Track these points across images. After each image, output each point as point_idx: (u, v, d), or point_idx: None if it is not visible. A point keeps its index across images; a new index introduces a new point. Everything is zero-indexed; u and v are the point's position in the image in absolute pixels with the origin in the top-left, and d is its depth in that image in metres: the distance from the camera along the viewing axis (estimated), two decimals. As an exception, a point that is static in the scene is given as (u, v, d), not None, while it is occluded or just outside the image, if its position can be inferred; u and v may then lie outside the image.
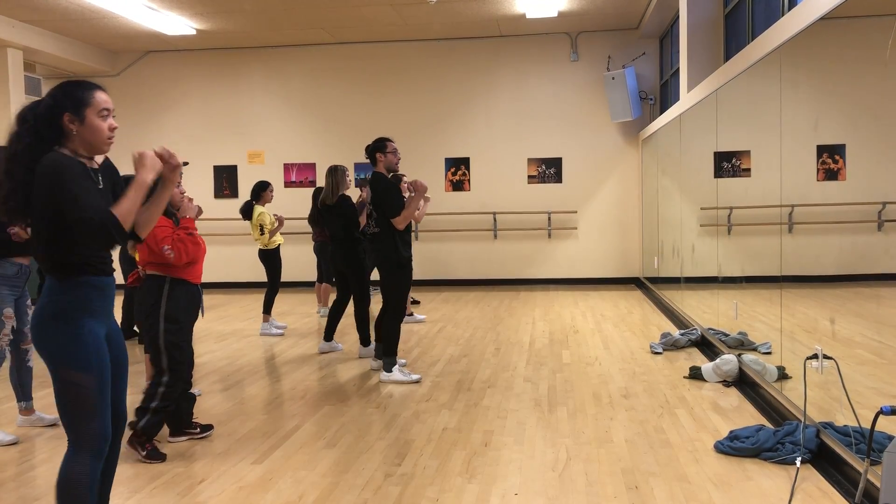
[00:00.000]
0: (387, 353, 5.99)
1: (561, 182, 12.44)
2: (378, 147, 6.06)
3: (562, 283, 12.36)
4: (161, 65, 13.13)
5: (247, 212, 8.22)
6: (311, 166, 12.86)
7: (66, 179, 2.57)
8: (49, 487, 3.83)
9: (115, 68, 13.18)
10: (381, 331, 6.16)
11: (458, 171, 12.44)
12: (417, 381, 5.92)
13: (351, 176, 7.27)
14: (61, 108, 2.67)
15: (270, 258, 8.27)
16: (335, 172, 6.99)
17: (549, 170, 12.46)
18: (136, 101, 13.16)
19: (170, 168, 2.80)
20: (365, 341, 6.96)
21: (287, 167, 12.92)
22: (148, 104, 13.15)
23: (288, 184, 12.82)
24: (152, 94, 13.16)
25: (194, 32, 11.57)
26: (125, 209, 2.59)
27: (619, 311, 9.49)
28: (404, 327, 8.19)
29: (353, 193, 7.96)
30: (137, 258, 4.27)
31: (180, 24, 11.10)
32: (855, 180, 4.16)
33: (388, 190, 5.96)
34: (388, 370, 5.95)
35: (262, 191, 8.31)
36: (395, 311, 6.00)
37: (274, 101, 12.92)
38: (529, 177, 12.46)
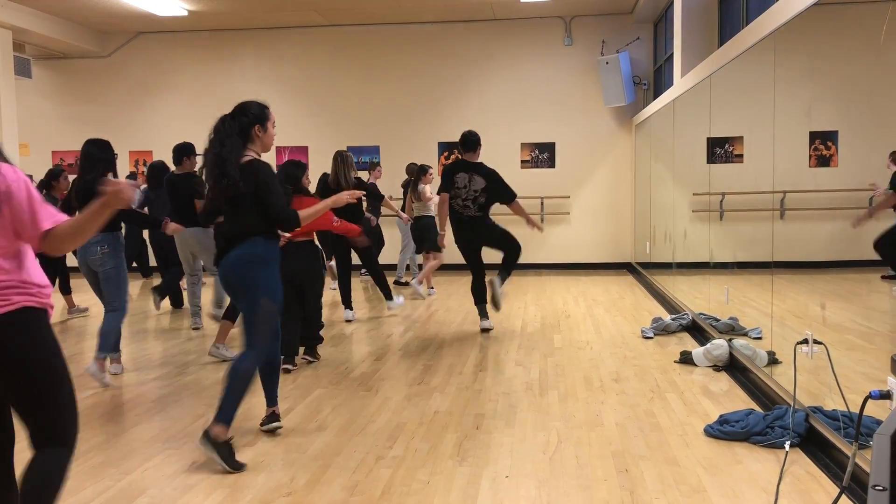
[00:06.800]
0: (509, 270, 7.42)
1: (554, 167, 12.43)
2: (480, 142, 7.20)
3: (554, 268, 12.38)
4: (152, 46, 13.01)
5: None
6: (304, 149, 12.80)
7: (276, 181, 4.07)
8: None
9: (105, 49, 13.06)
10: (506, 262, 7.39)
11: (451, 156, 12.41)
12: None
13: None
14: (254, 122, 4.04)
15: None
16: (345, 160, 7.54)
17: (542, 154, 12.45)
18: (126, 83, 13.07)
19: None
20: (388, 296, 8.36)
21: (279, 150, 12.85)
22: (138, 86, 13.05)
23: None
24: (142, 75, 13.05)
25: (186, 13, 11.46)
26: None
27: (611, 296, 9.52)
28: (396, 312, 8.34)
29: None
30: None
31: (172, 5, 11.00)
32: (847, 167, 4.17)
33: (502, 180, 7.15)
34: (501, 284, 7.28)
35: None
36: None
37: (266, 84, 12.81)
38: (522, 161, 12.45)
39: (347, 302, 8.04)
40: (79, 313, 8.59)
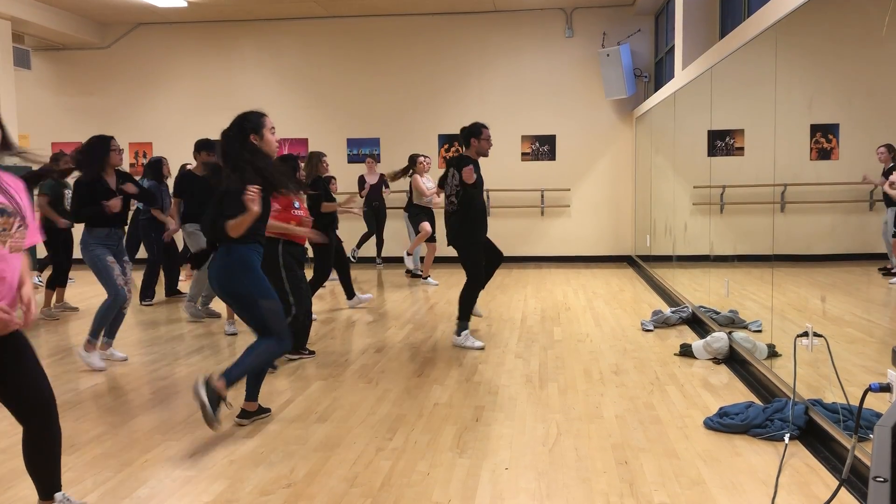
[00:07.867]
0: (461, 317, 6.41)
1: (554, 160, 12.41)
2: (473, 132, 6.36)
3: (554, 261, 12.38)
4: (152, 37, 12.98)
5: None
6: (304, 141, 12.78)
7: None
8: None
9: (105, 40, 13.03)
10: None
11: (451, 148, 12.40)
12: (480, 349, 6.22)
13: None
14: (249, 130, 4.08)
15: None
16: (311, 159, 7.42)
17: (542, 147, 12.43)
18: (126, 74, 13.04)
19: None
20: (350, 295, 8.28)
21: (279, 144, 12.83)
22: (138, 77, 13.02)
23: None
24: (142, 67, 13.02)
25: (185, 4, 11.43)
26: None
27: (611, 289, 9.52)
28: (396, 304, 8.36)
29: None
30: None
31: (171, -4, 10.97)
32: (847, 160, 4.16)
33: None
34: (458, 334, 6.36)
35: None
36: (471, 280, 6.52)
37: (266, 75, 12.80)
38: (523, 154, 12.43)
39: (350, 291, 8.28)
40: (69, 310, 8.24)
